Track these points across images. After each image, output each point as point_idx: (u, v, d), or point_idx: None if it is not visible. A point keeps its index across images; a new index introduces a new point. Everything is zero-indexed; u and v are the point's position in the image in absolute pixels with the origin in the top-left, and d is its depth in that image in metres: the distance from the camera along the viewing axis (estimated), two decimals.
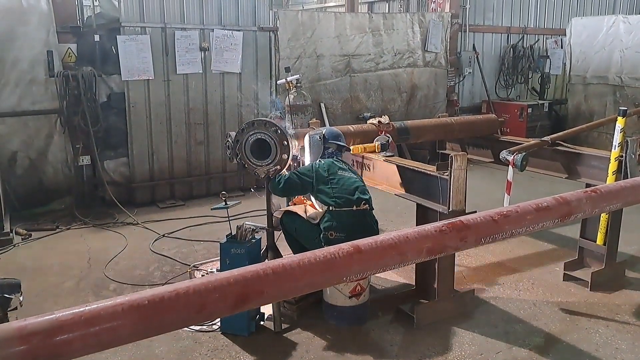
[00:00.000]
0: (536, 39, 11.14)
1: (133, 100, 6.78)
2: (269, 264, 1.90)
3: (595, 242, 4.65)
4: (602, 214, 4.51)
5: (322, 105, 8.27)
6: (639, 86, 9.44)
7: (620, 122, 4.37)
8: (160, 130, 7.04)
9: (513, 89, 11.08)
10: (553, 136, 5.04)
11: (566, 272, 4.70)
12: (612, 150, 4.39)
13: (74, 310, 1.52)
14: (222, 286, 1.78)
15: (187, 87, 7.11)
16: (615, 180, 4.22)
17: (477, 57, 10.26)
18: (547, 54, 11.22)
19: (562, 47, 11.15)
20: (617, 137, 4.36)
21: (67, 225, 6.07)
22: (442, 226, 2.29)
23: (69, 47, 6.46)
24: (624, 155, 4.35)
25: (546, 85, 11.15)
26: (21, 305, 2.77)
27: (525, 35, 11.01)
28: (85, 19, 6.95)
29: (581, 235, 4.80)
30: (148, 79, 6.80)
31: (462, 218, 2.41)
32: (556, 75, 11.37)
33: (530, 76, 11.14)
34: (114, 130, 6.78)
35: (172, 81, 6.99)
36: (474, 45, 10.36)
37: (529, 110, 10.09)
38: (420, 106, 9.40)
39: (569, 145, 4.94)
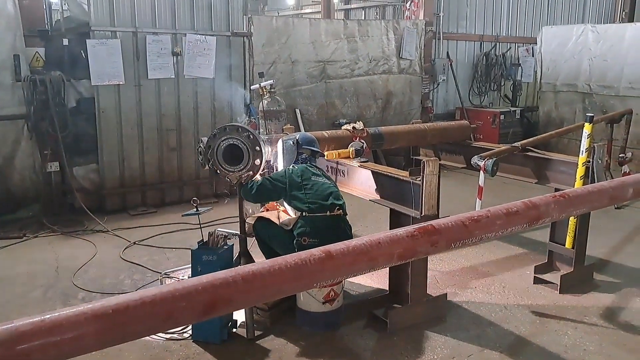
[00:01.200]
0: (508, 47, 11.37)
1: (103, 106, 6.66)
2: (238, 270, 1.87)
3: (565, 245, 4.74)
4: (570, 218, 4.60)
5: (297, 111, 8.26)
6: (606, 94, 9.69)
7: (587, 128, 4.47)
8: (131, 136, 6.92)
9: (486, 96, 11.26)
10: (523, 142, 5.12)
11: (536, 275, 4.78)
12: (580, 155, 4.48)
13: (33, 319, 1.46)
14: (189, 294, 1.74)
15: (159, 93, 7.02)
16: (583, 185, 4.31)
17: (450, 64, 10.41)
18: (518, 62, 11.44)
19: (533, 56, 11.39)
20: (584, 143, 4.45)
21: (35, 233, 5.91)
22: (414, 231, 2.29)
23: (37, 51, 6.32)
24: (591, 160, 4.45)
25: (518, 92, 11.36)
26: None
27: (497, 44, 11.22)
28: (53, 22, 6.81)
29: (550, 239, 4.89)
30: (119, 84, 6.69)
31: (433, 222, 2.41)
32: (528, 82, 11.61)
33: (502, 84, 11.35)
34: (84, 136, 6.64)
35: (144, 86, 6.89)
36: (447, 52, 10.51)
37: (502, 117, 10.26)
38: (396, 113, 9.46)
39: (538, 151, 5.03)
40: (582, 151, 4.46)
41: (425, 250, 2.42)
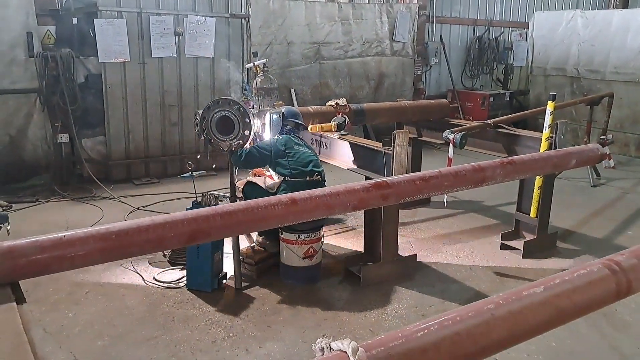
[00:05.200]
0: (501, 32, 11.65)
1: (110, 82, 7.12)
2: (217, 209, 2.34)
3: (529, 215, 5.16)
4: (535, 191, 5.01)
5: (292, 90, 8.65)
6: (593, 78, 10.02)
7: (550, 106, 4.87)
8: (135, 111, 7.39)
9: (478, 79, 11.59)
10: (496, 120, 5.53)
11: (503, 241, 5.21)
12: (544, 131, 4.89)
13: (54, 236, 1.92)
14: (176, 225, 2.22)
15: (161, 70, 7.46)
16: None
17: (443, 47, 10.72)
18: (511, 46, 11.75)
19: (525, 40, 11.69)
20: (548, 120, 4.86)
21: (47, 199, 6.40)
22: (369, 185, 2.75)
23: (48, 29, 6.73)
24: (553, 136, 4.86)
25: (510, 76, 11.71)
26: (9, 234, 3.16)
27: (490, 28, 11.50)
28: (63, 2, 7.20)
29: (517, 209, 5.32)
30: (124, 62, 7.13)
31: (387, 179, 2.86)
32: (520, 67, 11.93)
33: (494, 67, 11.67)
34: (92, 110, 7.11)
35: (148, 64, 7.33)
36: (440, 36, 10.82)
37: (491, 99, 10.62)
38: (388, 94, 9.83)
39: (508, 127, 5.44)
40: (546, 127, 4.87)
41: (377, 202, 2.89)
